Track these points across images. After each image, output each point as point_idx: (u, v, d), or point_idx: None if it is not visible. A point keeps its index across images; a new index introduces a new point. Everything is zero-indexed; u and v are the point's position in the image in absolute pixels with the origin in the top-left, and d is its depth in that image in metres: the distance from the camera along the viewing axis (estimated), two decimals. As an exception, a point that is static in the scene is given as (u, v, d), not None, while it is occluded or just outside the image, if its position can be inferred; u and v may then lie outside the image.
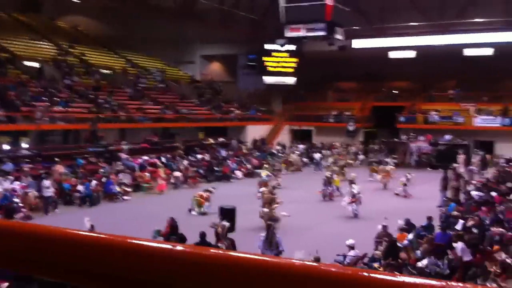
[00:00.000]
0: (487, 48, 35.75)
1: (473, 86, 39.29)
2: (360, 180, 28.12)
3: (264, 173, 24.89)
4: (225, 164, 30.70)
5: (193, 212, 20.08)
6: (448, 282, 0.88)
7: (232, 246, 12.06)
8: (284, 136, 42.32)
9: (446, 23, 36.42)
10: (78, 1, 41.91)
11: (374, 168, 30.18)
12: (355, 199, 19.80)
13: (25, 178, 20.84)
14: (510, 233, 14.96)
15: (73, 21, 43.64)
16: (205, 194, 20.48)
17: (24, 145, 25.87)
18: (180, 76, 44.82)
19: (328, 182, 23.61)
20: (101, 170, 24.52)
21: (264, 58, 40.68)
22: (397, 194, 24.37)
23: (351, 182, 20.88)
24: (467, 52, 36.45)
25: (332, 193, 23.38)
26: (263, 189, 19.10)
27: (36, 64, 32.68)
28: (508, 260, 12.63)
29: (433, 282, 0.88)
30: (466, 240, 12.96)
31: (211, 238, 12.92)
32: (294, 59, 40.68)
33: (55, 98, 28.42)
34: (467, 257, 12.51)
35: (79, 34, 42.57)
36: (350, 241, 13.11)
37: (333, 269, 0.93)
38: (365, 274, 0.91)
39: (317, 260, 10.85)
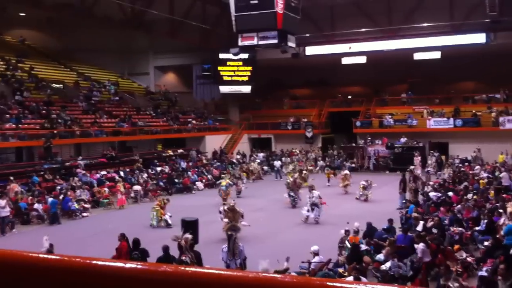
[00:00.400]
0: (435, 51, 36.79)
1: (425, 89, 40.44)
2: (319, 186, 28.58)
3: (223, 182, 24.77)
4: (186, 175, 30.51)
5: (153, 223, 19.72)
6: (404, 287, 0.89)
7: (197, 259, 11.92)
8: (243, 145, 42.40)
9: (395, 28, 37.34)
10: (23, 14, 40.97)
11: (329, 173, 30.61)
12: (314, 205, 19.91)
13: (-22, 199, 20.09)
14: (469, 232, 15.38)
15: (19, 34, 42.62)
16: (161, 203, 20.24)
17: (-25, 164, 25.03)
18: (135, 88, 44.35)
19: (290, 188, 23.56)
20: (58, 187, 23.95)
21: (219, 68, 40.72)
22: (357, 199, 24.68)
23: (311, 188, 20.99)
24: (417, 56, 37.43)
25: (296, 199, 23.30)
26: (222, 207, 18.64)
27: (-17, 81, 31.74)
28: (469, 259, 12.97)
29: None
30: (428, 240, 13.21)
31: (174, 251, 12.75)
32: (248, 68, 40.88)
33: (6, 115, 27.63)
34: (427, 258, 12.75)
35: (27, 48, 41.57)
36: (314, 247, 13.17)
37: (287, 279, 0.93)
38: (317, 282, 0.91)
39: (285, 270, 10.85)
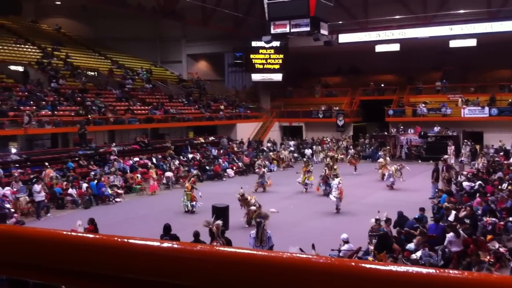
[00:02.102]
0: (471, 39, 35.96)
1: (459, 77, 39.59)
2: (351, 175, 28.43)
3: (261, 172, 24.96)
4: (217, 163, 30.68)
5: (187, 205, 19.93)
6: (439, 270, 0.89)
7: (228, 245, 12.02)
8: (274, 133, 42.35)
9: (430, 15, 36.61)
10: (58, 3, 41.60)
11: (354, 162, 30.44)
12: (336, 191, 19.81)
13: (16, 184, 20.65)
14: (502, 222, 15.11)
15: (55, 23, 43.31)
16: (190, 183, 20.48)
17: (13, 150, 25.66)
18: (167, 76, 44.67)
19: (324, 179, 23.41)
20: (92, 173, 24.40)
21: (251, 56, 40.68)
22: (389, 186, 24.42)
23: (335, 176, 20.88)
24: (452, 43, 36.64)
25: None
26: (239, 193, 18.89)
27: (20, 68, 32.41)
28: (502, 250, 12.76)
29: (424, 270, 0.89)
30: (460, 230, 13.04)
31: (204, 237, 12.88)
32: (280, 56, 40.73)
33: (42, 102, 28.20)
34: (457, 247, 12.58)
35: (62, 36, 42.23)
36: (343, 236, 13.13)
37: (321, 260, 0.93)
38: (352, 264, 0.91)
39: (314, 254, 10.83)
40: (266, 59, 40.69)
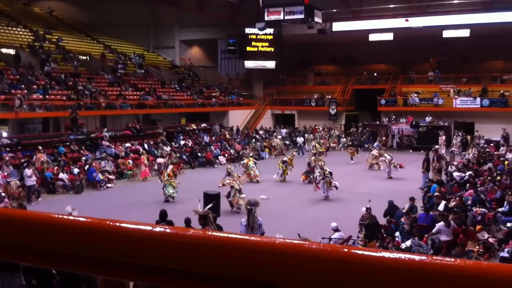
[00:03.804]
0: (464, 29, 36.02)
1: (452, 68, 39.69)
2: (342, 163, 28.54)
3: (250, 162, 24.74)
4: (209, 149, 30.67)
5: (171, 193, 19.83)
6: (430, 257, 0.90)
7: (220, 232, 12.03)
8: (266, 121, 42.34)
9: (424, 5, 36.58)
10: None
11: (353, 151, 30.46)
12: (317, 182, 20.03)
13: (6, 168, 20.54)
14: (492, 213, 15.24)
15: (47, 6, 42.89)
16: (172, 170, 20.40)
17: (4, 134, 25.50)
18: (160, 61, 44.45)
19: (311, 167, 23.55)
20: (83, 158, 24.32)
21: (244, 42, 40.55)
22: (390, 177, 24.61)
23: (320, 167, 21.00)
24: (446, 34, 36.70)
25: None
26: (222, 179, 19.16)
27: (12, 51, 32.13)
28: (491, 240, 12.88)
29: (419, 257, 0.89)
30: (451, 220, 13.14)
31: (195, 224, 12.89)
32: (273, 43, 40.63)
33: (33, 86, 28.00)
34: (446, 237, 12.69)
35: (55, 20, 41.87)
36: (333, 224, 13.20)
37: (313, 246, 0.94)
38: (345, 250, 0.91)
39: (305, 240, 10.86)
40: (259, 46, 40.57)
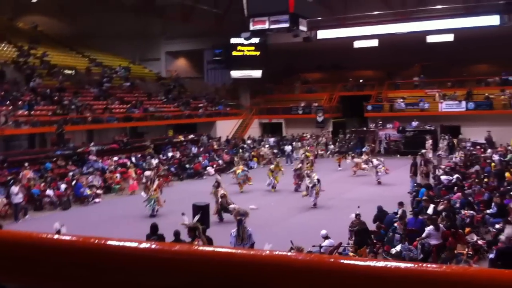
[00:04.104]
0: (448, 34, 36.40)
1: (437, 72, 40.06)
2: (330, 170, 28.62)
3: (238, 170, 24.72)
4: (197, 160, 30.60)
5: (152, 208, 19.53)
6: (419, 264, 0.89)
7: (209, 244, 11.97)
8: (254, 130, 42.38)
9: (408, 11, 36.93)
10: (35, 0, 41.02)
11: (339, 158, 30.62)
12: (309, 191, 20.10)
13: (-8, 185, 20.36)
14: (480, 215, 15.33)
15: (32, 21, 42.72)
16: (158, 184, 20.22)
17: (-11, 151, 25.26)
18: (146, 73, 44.38)
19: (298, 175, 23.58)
20: (70, 173, 24.14)
21: (230, 52, 40.63)
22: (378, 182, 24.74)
23: (307, 175, 21.07)
24: (430, 39, 37.05)
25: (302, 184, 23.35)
26: (213, 189, 19.18)
27: (-4, 67, 31.89)
28: (480, 242, 12.95)
29: (404, 265, 0.89)
30: (441, 224, 13.19)
31: (185, 236, 12.81)
32: (260, 52, 40.76)
33: (18, 102, 27.79)
34: (436, 241, 12.73)
35: (39, 34, 41.68)
36: (323, 232, 13.21)
37: (300, 257, 0.94)
38: (331, 260, 0.93)
39: (300, 250, 10.84)
40: (245, 56, 40.68)
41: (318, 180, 20.23)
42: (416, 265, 0.89)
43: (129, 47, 45.01)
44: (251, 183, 23.97)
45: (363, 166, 27.32)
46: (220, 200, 18.18)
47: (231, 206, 17.38)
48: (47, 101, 29.82)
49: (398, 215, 14.34)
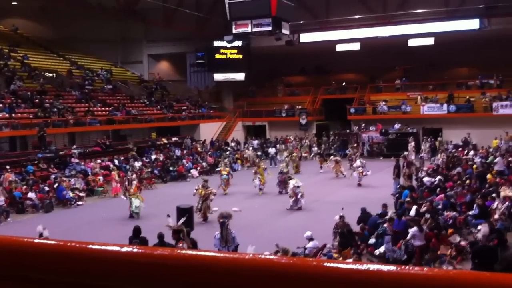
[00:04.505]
0: (429, 37, 36.77)
1: (419, 76, 40.44)
2: (313, 172, 28.72)
3: (224, 172, 24.63)
4: (180, 163, 30.49)
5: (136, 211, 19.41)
6: (401, 267, 0.90)
7: (194, 246, 11.93)
8: (238, 133, 42.35)
9: (389, 15, 37.23)
10: (15, 3, 40.57)
11: (321, 160, 30.73)
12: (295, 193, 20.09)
13: (-27, 189, 20.07)
14: (462, 216, 15.49)
15: (12, 23, 42.23)
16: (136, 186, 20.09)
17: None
18: (128, 76, 44.12)
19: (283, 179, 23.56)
20: (52, 176, 23.91)
21: (213, 55, 40.58)
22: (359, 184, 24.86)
23: (289, 178, 21.09)
24: (411, 42, 37.39)
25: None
26: (197, 187, 19.22)
27: (-24, 70, 31.52)
28: (462, 243, 13.07)
29: (387, 268, 0.90)
30: (424, 225, 13.30)
31: (169, 239, 12.75)
32: (242, 55, 40.78)
33: (-1, 104, 27.49)
34: (420, 242, 12.83)
35: (20, 37, 41.23)
36: (307, 233, 13.24)
37: (283, 260, 0.94)
38: (314, 263, 0.92)
39: (286, 252, 10.83)
40: (228, 59, 40.67)
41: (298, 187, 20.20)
42: (398, 268, 0.90)
43: (111, 50, 44.75)
44: (226, 192, 23.62)
45: (342, 169, 27.49)
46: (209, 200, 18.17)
47: (214, 208, 17.47)
48: (28, 104, 29.51)
49: (387, 217, 14.39)
